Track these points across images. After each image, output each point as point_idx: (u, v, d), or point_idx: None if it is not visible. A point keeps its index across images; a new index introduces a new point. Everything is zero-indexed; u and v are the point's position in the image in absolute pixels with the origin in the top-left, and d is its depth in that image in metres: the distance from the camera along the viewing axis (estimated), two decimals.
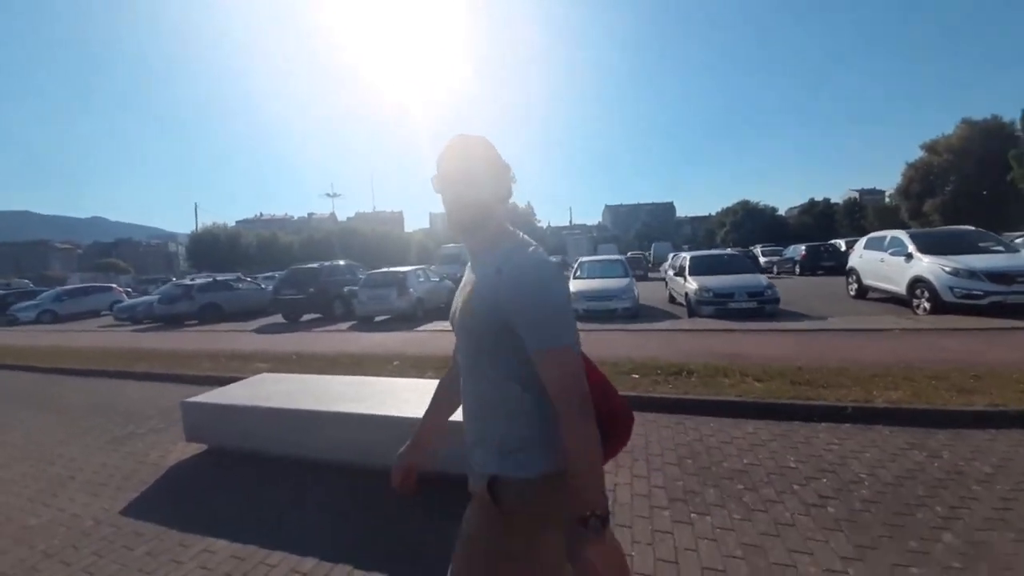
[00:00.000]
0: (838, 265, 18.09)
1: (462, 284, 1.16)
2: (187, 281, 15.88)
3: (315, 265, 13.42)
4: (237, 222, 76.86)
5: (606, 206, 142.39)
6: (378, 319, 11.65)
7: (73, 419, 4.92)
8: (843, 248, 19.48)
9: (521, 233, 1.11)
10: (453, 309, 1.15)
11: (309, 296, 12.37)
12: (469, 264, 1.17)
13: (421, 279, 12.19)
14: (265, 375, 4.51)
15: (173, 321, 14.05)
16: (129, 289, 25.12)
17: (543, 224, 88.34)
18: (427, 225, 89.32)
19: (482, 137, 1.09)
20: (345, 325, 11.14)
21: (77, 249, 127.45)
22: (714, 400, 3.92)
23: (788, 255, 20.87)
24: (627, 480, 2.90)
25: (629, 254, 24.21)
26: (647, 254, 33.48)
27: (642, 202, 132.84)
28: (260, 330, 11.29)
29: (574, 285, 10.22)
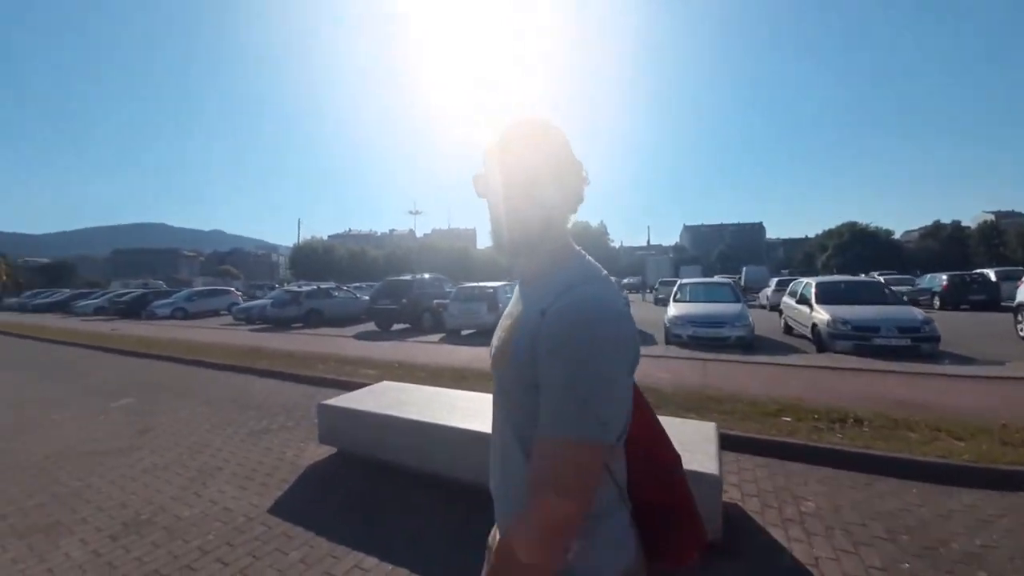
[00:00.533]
0: (990, 299, 15.45)
1: (505, 313, 0.91)
2: (295, 288, 17.30)
3: (408, 277, 14.00)
4: (329, 236, 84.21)
5: (685, 226, 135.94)
6: (465, 332, 11.77)
7: (214, 410, 5.31)
8: (993, 279, 16.57)
9: (587, 257, 0.83)
10: (491, 345, 0.89)
11: (402, 307, 12.85)
12: (517, 289, 0.91)
13: (509, 295, 12.15)
14: (387, 383, 4.53)
15: (281, 323, 15.34)
16: (241, 293, 28.16)
17: (616, 244, 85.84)
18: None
19: (548, 122, 0.81)
20: (435, 337, 11.36)
21: (200, 257, 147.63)
22: (911, 460, 3.21)
23: (923, 285, 18.02)
24: (830, 554, 2.36)
25: (716, 278, 22.39)
26: (737, 278, 31.11)
27: (726, 222, 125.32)
28: (358, 336, 11.87)
29: (677, 309, 9.59)
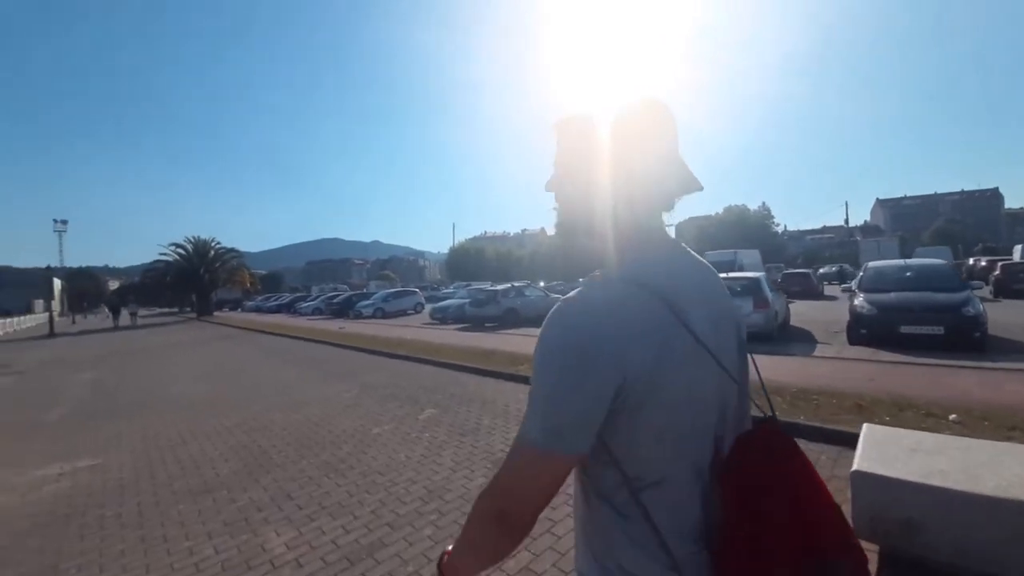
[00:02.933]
0: None
1: None
2: (491, 287, 17.16)
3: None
4: (466, 239, 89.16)
5: (878, 200, 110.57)
6: None
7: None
8: None
9: (668, 248, 0.72)
10: None
11: None
12: None
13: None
14: (917, 435, 2.72)
15: (479, 322, 15.17)
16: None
17: (780, 228, 73.40)
18: None
19: (627, 103, 0.69)
20: None
21: (366, 264, 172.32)
22: None
23: None
24: None
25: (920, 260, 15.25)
26: (975, 261, 22.75)
27: (941, 191, 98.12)
28: None
29: (868, 299, 7.94)
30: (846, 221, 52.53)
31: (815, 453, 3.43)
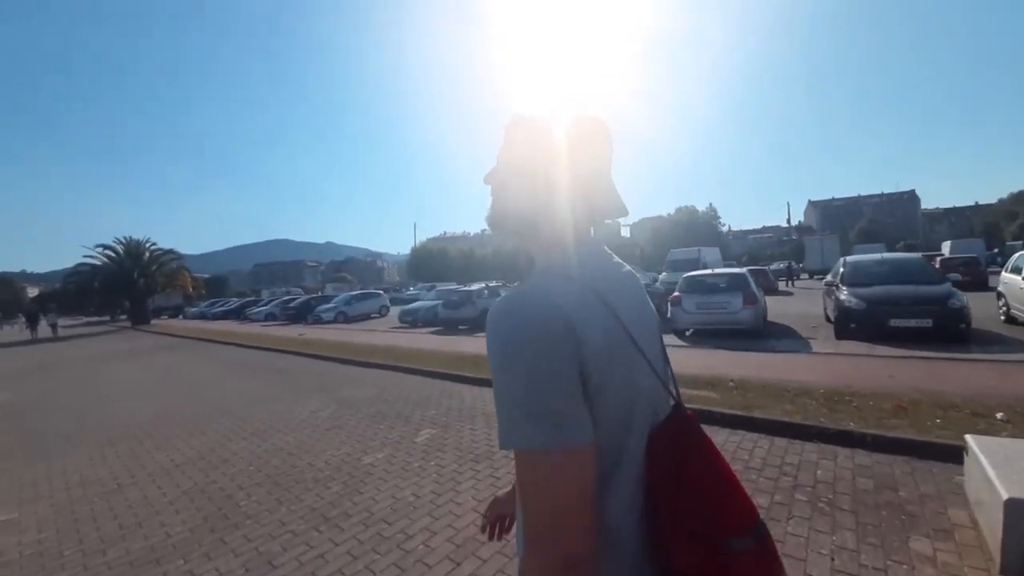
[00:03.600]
0: None
1: None
2: (464, 288, 16.40)
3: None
4: (427, 239, 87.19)
5: (810, 202, 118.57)
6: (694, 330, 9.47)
7: None
8: None
9: (592, 249, 0.73)
10: None
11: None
12: None
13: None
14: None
15: (452, 325, 14.40)
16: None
17: (725, 227, 77.02)
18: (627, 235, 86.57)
19: (579, 116, 0.73)
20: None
21: (320, 266, 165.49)
22: None
23: None
24: None
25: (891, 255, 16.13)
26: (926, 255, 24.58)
27: (864, 194, 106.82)
28: None
29: (854, 292, 7.94)
30: (788, 220, 55.52)
31: (888, 465, 3.06)
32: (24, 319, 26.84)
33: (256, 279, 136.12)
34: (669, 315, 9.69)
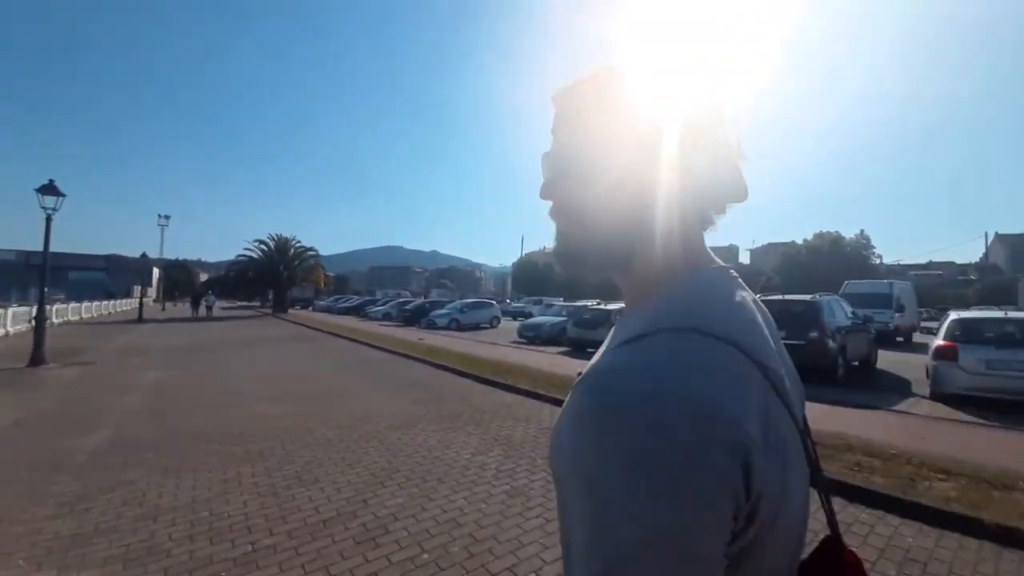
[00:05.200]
0: None
1: None
2: (601, 306, 14.68)
3: (807, 298, 9.27)
4: (527, 253, 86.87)
5: (997, 235, 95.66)
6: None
7: None
8: None
9: (727, 276, 0.49)
10: None
11: (810, 342, 8.32)
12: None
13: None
14: None
15: (581, 346, 12.71)
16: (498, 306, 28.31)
17: (877, 260, 64.06)
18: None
19: (673, 64, 0.47)
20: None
21: (425, 273, 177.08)
22: None
23: None
24: None
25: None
26: None
27: None
28: None
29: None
30: (985, 256, 44.50)
31: None
32: (190, 300, 31.56)
33: (371, 280, 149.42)
34: (933, 374, 6.84)
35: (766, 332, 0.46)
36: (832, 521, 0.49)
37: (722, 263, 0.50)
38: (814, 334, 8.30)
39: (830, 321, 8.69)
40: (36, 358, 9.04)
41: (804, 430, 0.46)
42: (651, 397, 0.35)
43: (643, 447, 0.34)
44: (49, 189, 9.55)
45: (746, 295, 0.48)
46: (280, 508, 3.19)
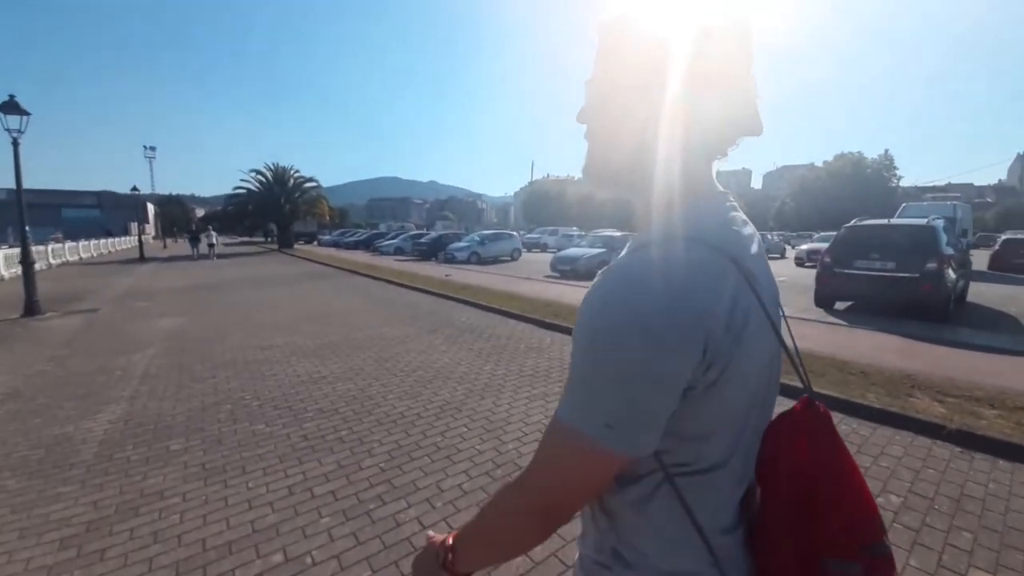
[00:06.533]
0: None
1: None
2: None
3: (919, 223, 7.84)
4: (530, 182, 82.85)
5: (1019, 156, 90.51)
6: None
7: None
8: None
9: (727, 201, 0.60)
10: None
11: (925, 275, 7.09)
12: None
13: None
14: None
15: None
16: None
17: (894, 183, 60.79)
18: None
19: (703, 4, 0.54)
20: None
21: (425, 204, 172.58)
22: None
23: None
24: None
25: None
26: None
27: None
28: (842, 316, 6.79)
29: None
30: (1022, 179, 41.97)
31: None
32: (187, 237, 28.83)
33: (371, 213, 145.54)
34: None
35: (749, 244, 0.58)
36: (805, 380, 0.60)
37: (722, 189, 0.60)
38: (932, 265, 7.04)
39: (945, 250, 7.41)
40: (30, 307, 7.97)
41: (777, 324, 0.58)
42: (628, 293, 0.49)
43: (602, 328, 0.49)
44: (11, 107, 7.85)
45: (736, 215, 0.59)
46: (382, 543, 2.19)
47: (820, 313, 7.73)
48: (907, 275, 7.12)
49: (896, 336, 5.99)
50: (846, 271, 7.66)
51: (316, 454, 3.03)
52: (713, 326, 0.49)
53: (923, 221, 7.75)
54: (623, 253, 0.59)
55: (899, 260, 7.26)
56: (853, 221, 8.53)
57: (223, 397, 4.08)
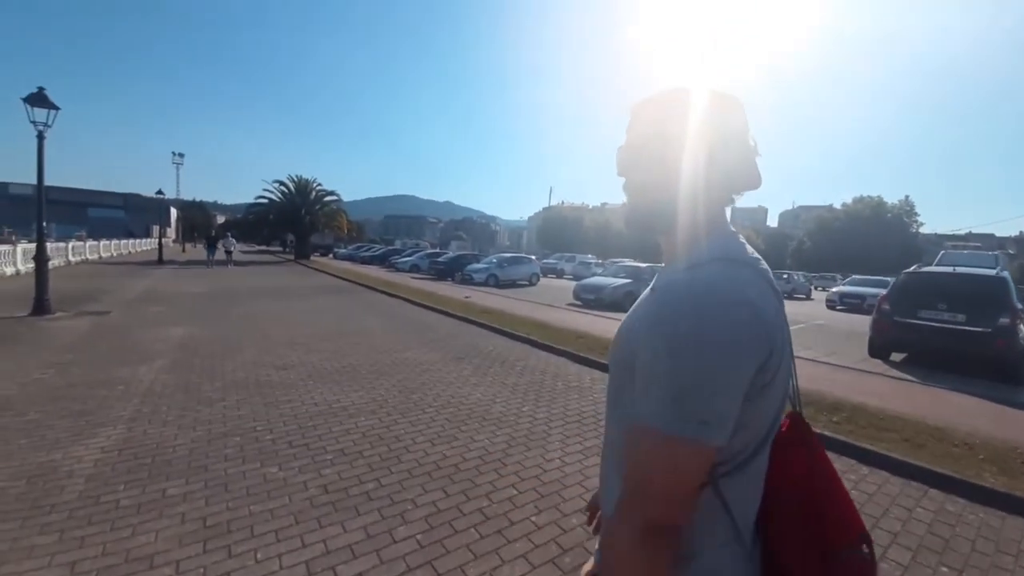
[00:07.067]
0: None
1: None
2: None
3: (988, 274, 7.24)
4: (546, 208, 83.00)
5: None
6: None
7: None
8: None
9: (734, 239, 0.69)
10: None
11: (999, 331, 6.45)
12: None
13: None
14: None
15: None
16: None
17: (915, 229, 59.95)
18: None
19: (708, 91, 0.68)
20: None
21: (439, 223, 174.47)
22: None
23: None
24: None
25: None
26: None
27: None
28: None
29: None
30: None
31: None
32: (204, 243, 28.10)
33: (386, 229, 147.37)
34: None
35: (768, 274, 0.68)
36: (796, 397, 0.72)
37: (733, 230, 0.70)
38: (1005, 320, 6.43)
39: (1017, 303, 6.79)
40: (39, 306, 7.66)
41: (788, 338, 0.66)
42: (701, 297, 0.58)
43: (683, 331, 0.57)
44: (39, 100, 7.76)
45: (750, 249, 0.69)
46: None
47: (879, 365, 7.08)
48: (979, 329, 6.50)
49: (978, 398, 5.34)
50: (908, 320, 7.05)
51: (339, 514, 2.51)
52: (774, 332, 0.60)
53: (992, 272, 7.16)
54: (666, 277, 0.68)
55: (969, 312, 6.65)
56: (912, 267, 7.98)
57: (232, 427, 3.60)
